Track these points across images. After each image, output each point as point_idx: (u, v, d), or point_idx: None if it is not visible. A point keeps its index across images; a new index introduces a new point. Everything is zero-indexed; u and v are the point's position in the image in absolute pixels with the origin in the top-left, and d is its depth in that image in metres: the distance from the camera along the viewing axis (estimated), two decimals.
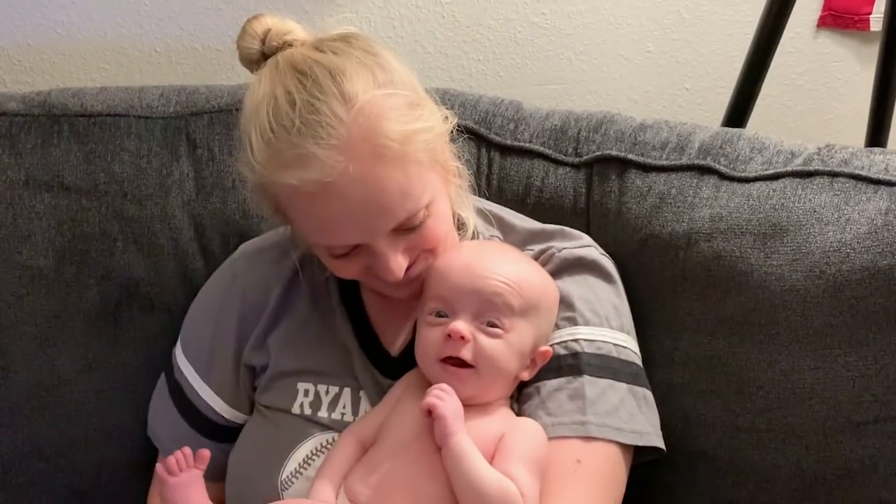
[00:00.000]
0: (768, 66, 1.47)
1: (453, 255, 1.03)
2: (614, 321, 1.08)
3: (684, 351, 1.15)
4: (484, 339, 0.97)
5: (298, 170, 0.92)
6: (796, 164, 1.16)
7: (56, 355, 1.25)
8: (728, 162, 1.18)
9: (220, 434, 1.14)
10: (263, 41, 1.00)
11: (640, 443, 1.03)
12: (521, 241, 1.13)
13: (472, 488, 0.91)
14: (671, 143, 1.22)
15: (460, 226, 1.11)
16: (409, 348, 1.07)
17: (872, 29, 1.80)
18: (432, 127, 0.98)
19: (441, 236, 1.02)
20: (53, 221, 1.25)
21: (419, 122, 0.96)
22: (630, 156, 1.22)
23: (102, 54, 1.52)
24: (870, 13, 1.80)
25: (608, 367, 1.04)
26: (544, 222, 1.16)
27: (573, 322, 1.06)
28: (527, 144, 1.27)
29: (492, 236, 1.14)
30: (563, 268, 1.09)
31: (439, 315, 0.99)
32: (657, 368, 1.14)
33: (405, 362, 1.06)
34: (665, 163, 1.20)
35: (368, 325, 1.11)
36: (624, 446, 1.02)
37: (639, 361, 1.09)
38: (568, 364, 1.03)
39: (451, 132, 1.04)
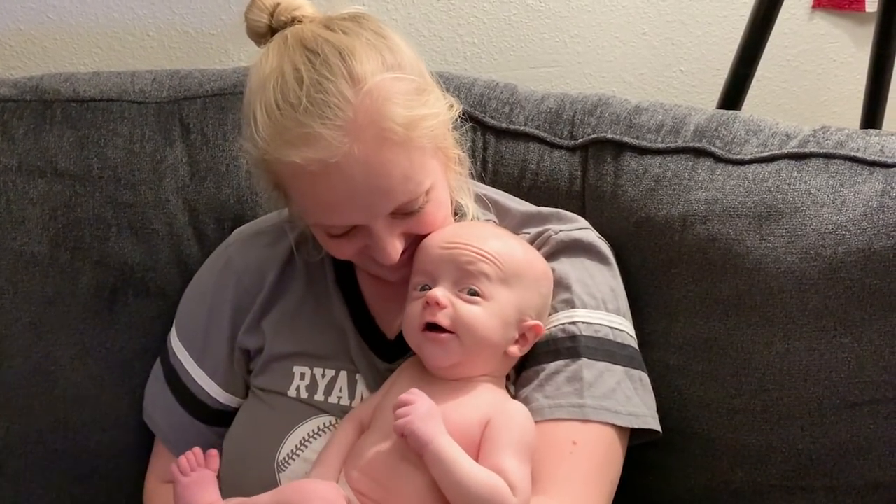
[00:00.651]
0: (763, 47, 1.46)
1: (436, 232, 1.03)
2: (611, 304, 1.08)
3: (680, 333, 1.15)
4: (462, 305, 0.97)
5: (303, 148, 0.92)
6: (792, 147, 1.16)
7: (51, 341, 1.25)
8: (723, 144, 1.18)
9: (216, 418, 1.14)
10: (272, 15, 1.00)
11: (636, 425, 1.04)
12: (517, 224, 1.13)
13: (457, 490, 0.90)
14: (666, 126, 1.22)
15: (458, 212, 1.11)
16: None
17: (868, 10, 1.80)
18: (437, 114, 0.98)
19: (438, 223, 1.02)
20: (47, 207, 1.24)
21: (425, 108, 0.96)
22: (625, 138, 1.22)
23: (94, 39, 1.51)
24: None
25: (605, 349, 1.04)
26: (540, 205, 1.16)
27: (570, 305, 1.06)
28: (522, 128, 1.27)
29: (487, 220, 1.13)
30: (560, 250, 1.09)
31: (423, 289, 1.00)
32: (653, 350, 1.14)
33: (403, 346, 1.05)
34: (660, 145, 1.20)
35: (364, 307, 1.11)
36: (620, 428, 1.02)
37: (635, 344, 1.09)
38: (566, 347, 1.03)
39: (455, 120, 1.04)
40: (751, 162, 1.16)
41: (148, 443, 1.21)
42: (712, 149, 1.18)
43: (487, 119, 1.28)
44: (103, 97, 1.27)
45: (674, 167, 1.19)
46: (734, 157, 1.17)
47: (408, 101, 0.95)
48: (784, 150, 1.15)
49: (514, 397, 1.03)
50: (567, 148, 1.25)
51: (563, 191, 1.23)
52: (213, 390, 1.14)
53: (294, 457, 1.03)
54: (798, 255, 1.09)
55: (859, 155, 1.12)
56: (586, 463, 0.99)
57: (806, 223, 1.10)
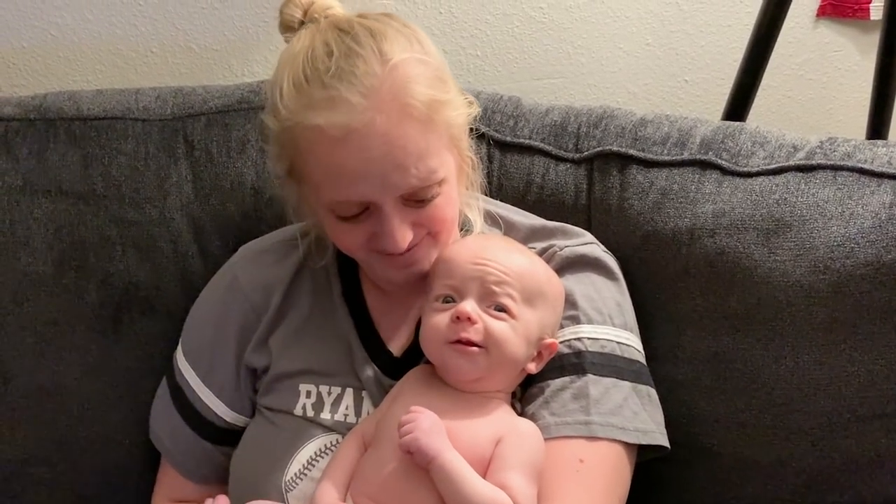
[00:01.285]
0: (768, 56, 1.46)
1: (460, 245, 1.04)
2: (617, 319, 1.07)
3: (688, 347, 1.15)
4: (492, 321, 0.98)
5: (327, 111, 0.94)
6: (799, 158, 1.15)
7: (57, 360, 1.24)
8: (730, 156, 1.18)
9: (223, 437, 1.14)
10: (306, 12, 1.04)
11: (644, 441, 1.03)
12: (522, 238, 1.13)
13: None
14: (672, 138, 1.21)
15: (464, 226, 1.11)
16: (412, 349, 1.07)
17: (872, 18, 1.79)
18: (457, 105, 1.01)
19: (447, 220, 1.03)
20: (52, 226, 1.24)
21: (447, 94, 0.99)
22: (631, 151, 1.21)
23: (98, 55, 1.51)
24: (869, 2, 1.79)
25: (612, 365, 1.04)
26: (545, 219, 1.16)
27: (576, 321, 1.05)
28: (527, 141, 1.27)
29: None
30: (566, 266, 1.09)
31: (446, 301, 1.00)
32: (661, 365, 1.14)
33: (408, 363, 1.05)
34: (666, 158, 1.20)
35: (370, 321, 1.10)
36: (628, 445, 1.02)
37: (642, 359, 1.08)
38: (571, 363, 1.03)
39: (472, 129, 1.06)
40: (758, 174, 1.15)
41: (154, 461, 1.20)
42: (719, 161, 1.18)
43: (492, 132, 1.28)
44: (107, 115, 1.27)
45: (680, 180, 1.18)
46: (741, 169, 1.16)
47: (431, 83, 0.98)
48: (791, 162, 1.15)
49: (520, 414, 1.03)
50: (572, 161, 1.24)
51: (569, 204, 1.23)
52: (220, 409, 1.13)
53: (301, 476, 1.03)
54: (806, 268, 1.09)
55: (867, 166, 1.12)
56: (594, 481, 0.99)
57: (814, 236, 1.09)
